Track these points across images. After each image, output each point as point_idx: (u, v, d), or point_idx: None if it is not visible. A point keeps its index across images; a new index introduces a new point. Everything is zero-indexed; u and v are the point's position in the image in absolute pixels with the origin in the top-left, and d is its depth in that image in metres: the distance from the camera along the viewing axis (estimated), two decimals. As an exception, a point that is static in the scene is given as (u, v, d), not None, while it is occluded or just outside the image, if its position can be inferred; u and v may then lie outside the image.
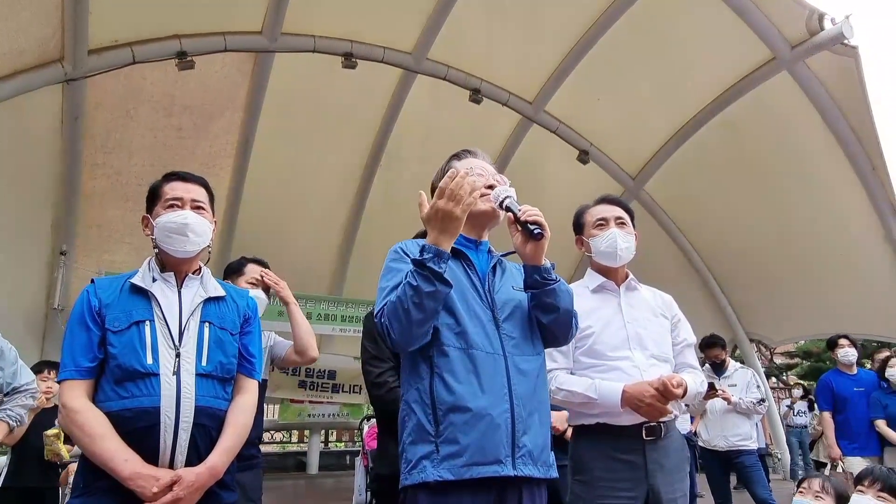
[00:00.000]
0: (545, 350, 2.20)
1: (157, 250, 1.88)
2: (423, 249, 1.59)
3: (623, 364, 2.17)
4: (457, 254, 1.76)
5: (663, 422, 2.14)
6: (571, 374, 2.22)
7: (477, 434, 1.56)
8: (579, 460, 2.17)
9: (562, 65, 8.20)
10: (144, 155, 7.73)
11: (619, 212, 2.35)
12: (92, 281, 1.88)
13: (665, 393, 2.03)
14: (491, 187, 1.79)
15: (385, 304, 1.60)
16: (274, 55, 7.41)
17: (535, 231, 1.70)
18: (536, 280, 1.75)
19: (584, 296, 2.31)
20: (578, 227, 2.41)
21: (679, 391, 2.04)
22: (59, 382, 1.79)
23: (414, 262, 1.58)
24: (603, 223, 2.32)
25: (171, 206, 1.89)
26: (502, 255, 1.89)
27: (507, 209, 1.75)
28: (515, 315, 1.76)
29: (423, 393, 1.61)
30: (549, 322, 1.78)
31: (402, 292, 1.56)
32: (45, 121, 6.86)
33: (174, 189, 1.92)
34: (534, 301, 1.78)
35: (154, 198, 1.93)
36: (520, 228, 1.73)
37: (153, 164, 7.61)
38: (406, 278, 1.58)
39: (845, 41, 6.78)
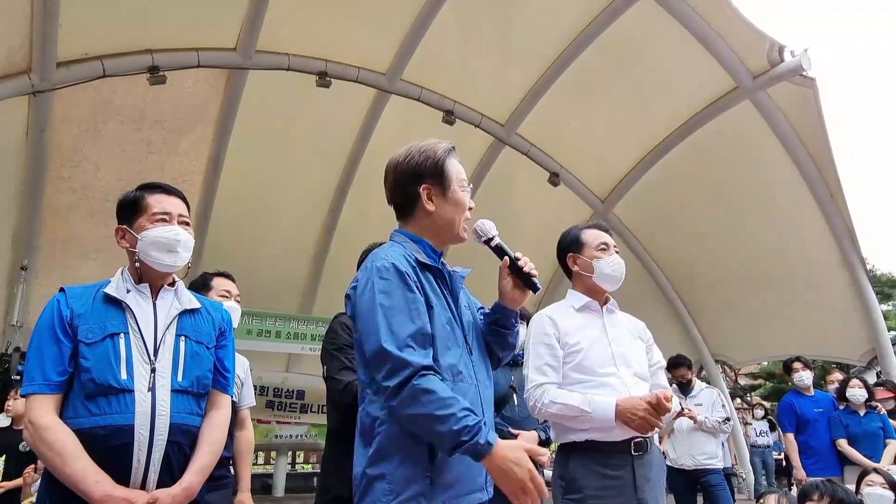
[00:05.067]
0: (535, 366, 2.25)
1: (138, 263, 1.82)
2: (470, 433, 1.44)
3: (611, 380, 2.24)
4: (431, 269, 1.69)
5: (648, 436, 2.20)
6: (560, 388, 2.26)
7: (466, 466, 1.57)
8: (570, 479, 2.19)
9: (533, 89, 8.35)
10: (112, 169, 7.60)
11: (613, 241, 2.46)
12: (61, 289, 1.79)
13: (658, 407, 2.08)
14: (470, 209, 1.78)
15: (418, 381, 1.45)
16: (248, 72, 7.39)
17: (538, 286, 1.75)
18: (510, 322, 1.79)
19: (569, 314, 2.39)
20: (575, 245, 2.46)
21: (671, 405, 2.11)
22: (23, 396, 1.69)
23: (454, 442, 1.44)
24: (605, 247, 2.41)
25: (161, 220, 1.84)
26: (462, 274, 1.82)
27: (499, 251, 1.76)
28: (474, 338, 1.76)
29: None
30: (504, 357, 1.86)
31: (455, 417, 1.43)
32: (9, 132, 6.70)
33: (161, 202, 1.87)
34: (496, 337, 1.80)
35: (135, 209, 1.86)
36: (511, 273, 1.75)
37: (121, 178, 7.47)
38: (465, 423, 1.43)
39: (804, 73, 7.06)
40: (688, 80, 7.89)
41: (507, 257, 1.75)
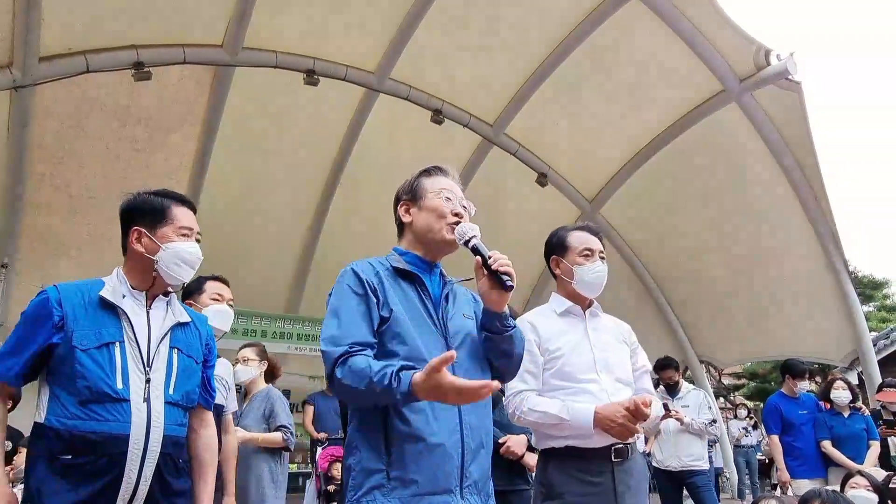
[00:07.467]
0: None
1: (155, 272, 1.83)
2: (398, 380, 1.49)
3: (591, 387, 2.21)
4: (410, 276, 1.75)
5: (629, 443, 2.18)
6: (539, 395, 2.23)
7: (429, 464, 1.56)
8: (549, 485, 2.17)
9: (522, 89, 8.35)
10: (96, 166, 7.49)
11: (600, 245, 2.40)
12: (46, 287, 1.78)
13: (636, 413, 2.07)
14: (458, 215, 1.78)
15: (348, 367, 1.55)
16: (234, 69, 7.32)
17: (508, 283, 1.70)
18: (496, 325, 1.75)
19: (551, 318, 2.36)
20: (560, 248, 2.40)
21: (649, 411, 2.09)
22: None
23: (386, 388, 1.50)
24: (589, 253, 2.35)
25: (184, 235, 1.90)
26: (457, 282, 1.87)
27: (475, 251, 1.73)
28: (466, 344, 1.75)
29: (375, 420, 1.59)
30: (500, 366, 1.81)
31: (373, 382, 1.49)
32: (-11, 128, 6.60)
33: (187, 217, 1.94)
34: (488, 344, 1.78)
35: (160, 216, 1.88)
36: (487, 273, 1.72)
37: (105, 175, 7.38)
38: (384, 381, 1.49)
39: (789, 76, 7.13)
40: (675, 83, 7.93)
41: (479, 256, 1.72)
